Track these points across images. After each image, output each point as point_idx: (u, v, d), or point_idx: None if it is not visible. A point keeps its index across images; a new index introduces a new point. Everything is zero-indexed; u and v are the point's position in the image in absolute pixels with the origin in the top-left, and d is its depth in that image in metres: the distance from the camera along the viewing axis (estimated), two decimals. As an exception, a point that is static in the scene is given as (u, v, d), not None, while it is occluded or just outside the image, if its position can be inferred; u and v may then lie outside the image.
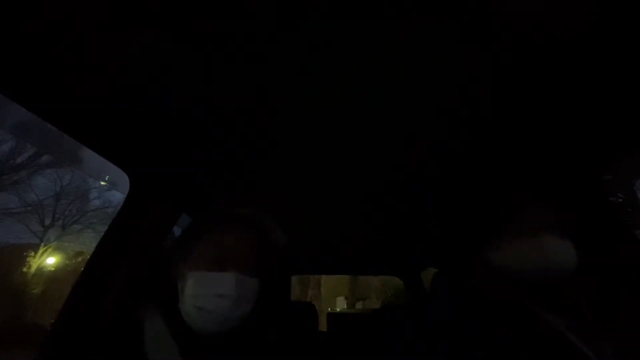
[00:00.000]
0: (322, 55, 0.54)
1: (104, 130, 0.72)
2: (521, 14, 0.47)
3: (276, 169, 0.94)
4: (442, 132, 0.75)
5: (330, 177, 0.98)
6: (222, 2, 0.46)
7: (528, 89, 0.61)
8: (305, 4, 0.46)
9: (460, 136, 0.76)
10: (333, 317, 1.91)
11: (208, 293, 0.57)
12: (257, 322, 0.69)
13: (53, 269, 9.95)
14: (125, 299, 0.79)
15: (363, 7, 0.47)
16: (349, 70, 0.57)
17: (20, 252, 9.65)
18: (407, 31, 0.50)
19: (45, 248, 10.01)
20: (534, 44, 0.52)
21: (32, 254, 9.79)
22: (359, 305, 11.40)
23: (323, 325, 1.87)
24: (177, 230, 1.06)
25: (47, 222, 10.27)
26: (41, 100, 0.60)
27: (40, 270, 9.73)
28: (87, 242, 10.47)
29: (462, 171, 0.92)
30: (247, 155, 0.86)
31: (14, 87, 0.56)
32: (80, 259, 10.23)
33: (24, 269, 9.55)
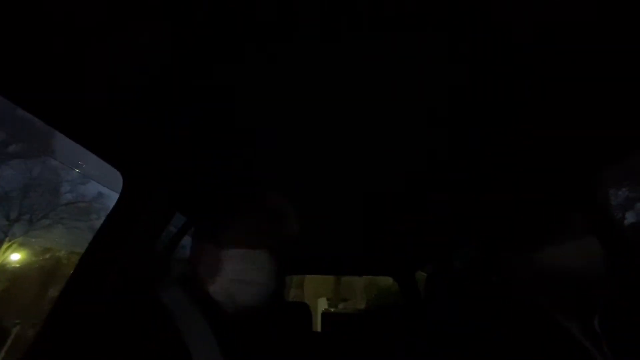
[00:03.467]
0: (322, 56, 0.55)
1: (97, 129, 0.71)
2: (518, 18, 0.48)
3: (272, 170, 0.94)
4: (440, 135, 0.76)
5: (326, 178, 0.99)
6: (221, 1, 0.45)
7: (525, 90, 0.62)
8: (303, 3, 0.46)
9: (457, 138, 0.77)
10: (327, 317, 1.90)
11: (249, 267, 0.62)
12: (252, 322, 0.69)
13: (18, 265, 9.33)
14: (117, 298, 0.76)
15: (360, 15, 0.47)
16: (346, 73, 0.58)
17: (-19, 248, 8.99)
18: (402, 40, 0.51)
19: (9, 243, 9.36)
20: (531, 48, 0.53)
21: (-5, 249, 9.15)
22: (341, 306, 11.43)
23: (317, 326, 1.85)
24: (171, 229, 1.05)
25: (13, 215, 9.63)
26: (35, 98, 0.59)
27: (3, 267, 9.09)
28: (57, 239, 9.90)
29: (462, 170, 0.93)
30: (244, 155, 0.87)
31: (7, 85, 0.55)
32: (48, 256, 9.65)
33: (-16, 266, 8.91)
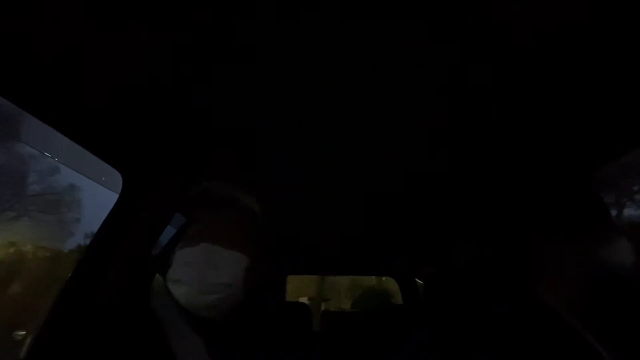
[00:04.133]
0: (322, 55, 0.55)
1: (97, 129, 0.72)
2: (513, 16, 0.48)
3: (272, 170, 0.95)
4: (441, 134, 0.78)
5: (326, 178, 1.00)
6: (221, 1, 0.45)
7: (521, 90, 0.64)
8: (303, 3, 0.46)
9: (459, 137, 0.79)
10: (327, 316, 1.88)
11: (178, 265, 0.59)
12: (252, 322, 0.70)
13: (-24, 259, 8.66)
14: (117, 298, 0.76)
15: (357, 7, 0.47)
16: (345, 71, 0.59)
17: (-64, 241, 8.28)
18: (397, 32, 0.51)
19: (-33, 236, 8.68)
20: (529, 47, 0.53)
21: (-48, 243, 8.43)
22: (322, 307, 11.47)
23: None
24: (169, 231, 1.03)
25: (-26, 206, 8.92)
26: (34, 98, 0.59)
27: (-41, 260, 8.41)
28: (22, 232, 9.27)
29: (463, 169, 0.94)
30: (244, 155, 0.88)
31: (6, 85, 0.55)
32: (12, 250, 9.02)
33: (-61, 261, 8.19)
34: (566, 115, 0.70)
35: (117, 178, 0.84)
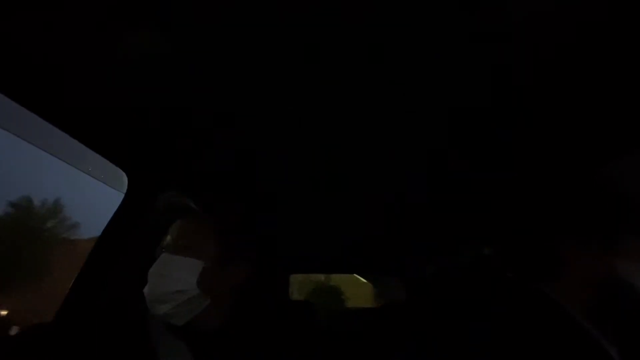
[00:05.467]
0: (323, 55, 0.55)
1: (103, 129, 0.72)
2: (525, 17, 0.47)
3: (276, 170, 0.94)
4: (443, 133, 0.77)
5: (329, 177, 0.98)
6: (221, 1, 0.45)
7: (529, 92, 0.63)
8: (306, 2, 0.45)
9: (460, 137, 0.78)
10: (330, 314, 1.89)
11: (151, 277, 0.60)
12: (256, 321, 0.72)
13: None
14: (123, 298, 0.79)
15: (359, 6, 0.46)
16: (348, 69, 0.58)
17: None
18: (406, 35, 0.50)
19: None
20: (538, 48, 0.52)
21: None
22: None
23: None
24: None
25: None
26: (41, 99, 0.60)
27: None
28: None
29: (464, 168, 0.93)
30: (248, 156, 0.87)
31: (13, 86, 0.56)
32: None
33: None
34: (585, 114, 0.69)
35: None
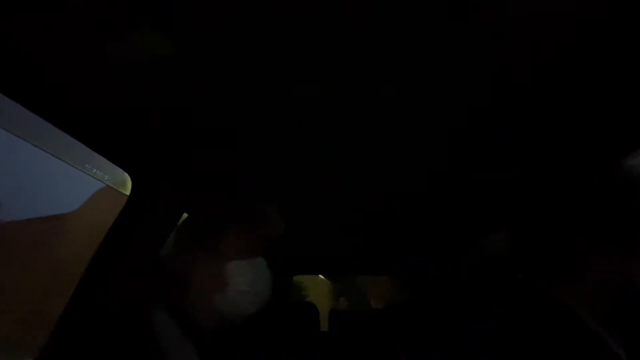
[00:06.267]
0: (323, 55, 0.54)
1: (105, 131, 0.72)
2: (526, 17, 0.47)
3: (278, 170, 0.94)
4: (445, 133, 0.77)
5: (332, 178, 0.98)
6: (221, 1, 0.45)
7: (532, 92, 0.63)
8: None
9: (462, 136, 0.78)
10: (335, 316, 1.88)
11: (249, 278, 0.62)
12: (259, 323, 0.70)
13: None
14: (128, 300, 0.76)
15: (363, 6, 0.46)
16: (348, 69, 0.58)
17: None
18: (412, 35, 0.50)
19: None
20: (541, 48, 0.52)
21: None
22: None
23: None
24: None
25: None
26: (44, 100, 0.60)
27: None
28: None
29: (466, 169, 0.93)
30: (250, 156, 0.87)
31: (17, 88, 0.56)
32: None
33: None
34: (585, 114, 0.69)
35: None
